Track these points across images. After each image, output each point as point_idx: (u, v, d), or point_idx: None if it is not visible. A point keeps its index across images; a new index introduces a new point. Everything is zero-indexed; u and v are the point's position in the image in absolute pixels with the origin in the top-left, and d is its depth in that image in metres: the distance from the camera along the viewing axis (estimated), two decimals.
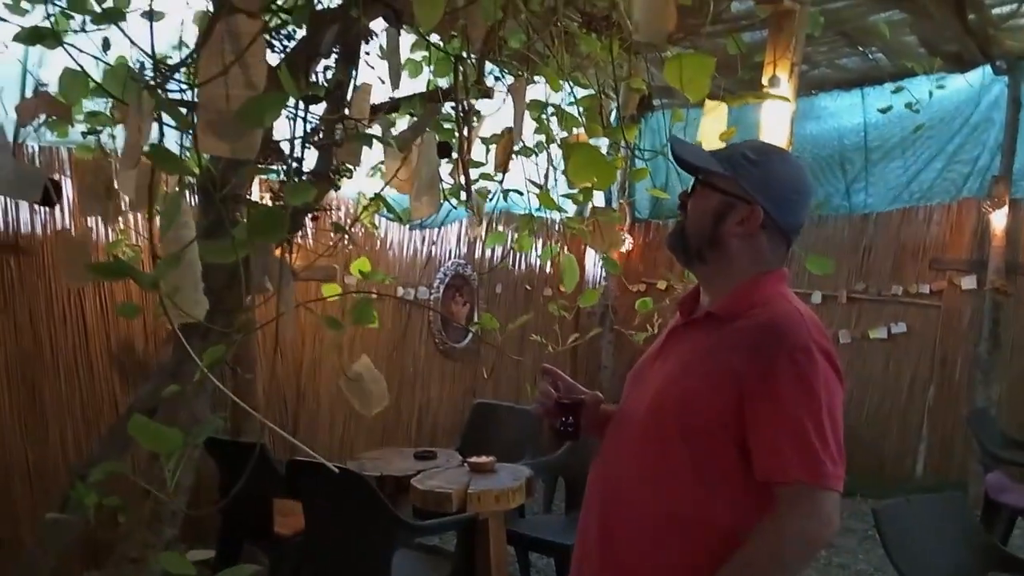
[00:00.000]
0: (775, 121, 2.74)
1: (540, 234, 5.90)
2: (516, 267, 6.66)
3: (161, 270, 1.14)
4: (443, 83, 3.51)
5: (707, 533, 1.43)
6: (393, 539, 2.99)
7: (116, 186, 2.42)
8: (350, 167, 2.01)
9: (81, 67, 1.74)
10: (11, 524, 3.79)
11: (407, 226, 5.69)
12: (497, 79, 3.32)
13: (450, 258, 6.15)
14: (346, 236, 2.08)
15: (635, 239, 7.37)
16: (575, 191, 2.59)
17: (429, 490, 3.40)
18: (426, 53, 3.62)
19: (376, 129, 2.45)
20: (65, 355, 3.98)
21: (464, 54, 2.21)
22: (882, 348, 6.18)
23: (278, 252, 1.94)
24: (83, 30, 1.80)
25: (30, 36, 1.75)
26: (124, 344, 4.18)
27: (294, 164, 1.74)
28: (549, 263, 6.69)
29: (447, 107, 2.82)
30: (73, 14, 1.99)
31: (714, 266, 1.55)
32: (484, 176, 2.42)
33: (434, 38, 2.95)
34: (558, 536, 3.64)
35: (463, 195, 2.21)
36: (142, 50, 1.34)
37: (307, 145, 1.84)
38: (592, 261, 7.14)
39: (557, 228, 5.84)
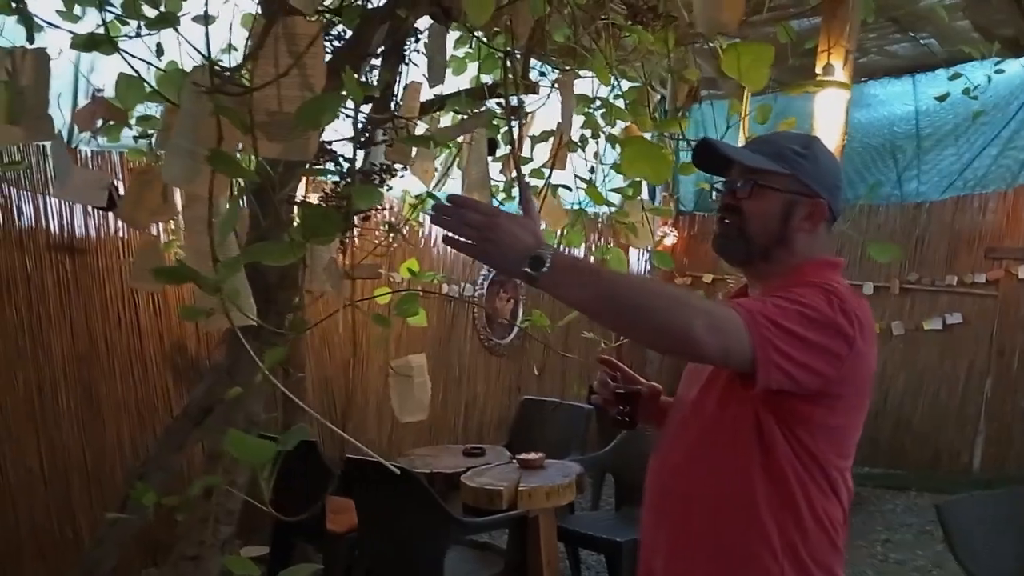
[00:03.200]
0: (830, 110, 2.67)
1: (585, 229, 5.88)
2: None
3: (223, 274, 1.14)
4: (486, 80, 3.51)
5: (774, 518, 1.41)
6: (446, 536, 3.00)
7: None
8: (399, 167, 2.00)
9: (137, 72, 1.76)
10: (70, 522, 3.88)
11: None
12: (542, 74, 3.29)
13: None
14: (395, 235, 2.08)
15: (680, 232, 7.29)
16: (623, 185, 2.55)
17: (480, 487, 3.40)
18: (469, 50, 3.61)
19: (421, 128, 2.45)
20: (120, 355, 4.05)
21: (510, 50, 2.19)
22: (937, 339, 6.04)
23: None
24: (137, 35, 1.82)
25: (86, 43, 1.77)
26: (177, 344, 4.25)
27: (347, 165, 1.74)
28: (593, 259, 6.64)
29: (493, 104, 2.82)
30: (127, 20, 2.01)
31: (777, 264, 1.53)
32: (534, 173, 2.40)
33: (477, 34, 2.94)
34: (609, 532, 3.62)
35: (514, 191, 2.19)
36: (200, 53, 1.34)
37: (360, 146, 1.84)
38: (636, 255, 7.09)
39: (601, 223, 5.80)
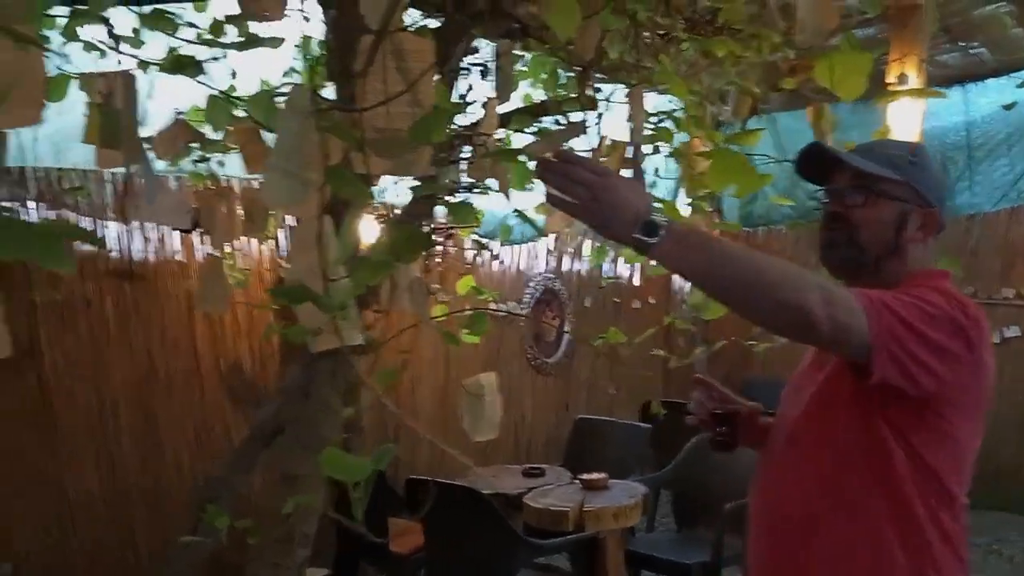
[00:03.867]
0: (905, 120, 2.63)
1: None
2: (609, 278, 6.60)
3: (341, 294, 1.12)
4: (538, 97, 3.51)
5: (898, 537, 1.37)
6: (515, 558, 2.96)
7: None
8: (482, 184, 1.99)
9: (225, 94, 1.77)
10: (130, 544, 3.89)
11: (498, 242, 5.69)
12: (597, 90, 3.29)
13: (539, 273, 6.12)
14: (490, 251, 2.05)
15: None
16: (697, 199, 2.52)
17: (544, 508, 3.36)
18: (523, 68, 3.62)
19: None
20: (177, 378, 4.08)
21: (585, 65, 2.17)
22: (996, 353, 5.88)
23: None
24: (224, 56, 1.83)
25: (172, 65, 1.78)
26: (233, 366, 4.26)
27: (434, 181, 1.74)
28: (638, 276, 6.61)
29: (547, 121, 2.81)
30: (202, 45, 2.03)
31: (887, 276, 1.48)
32: None
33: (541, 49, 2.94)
34: (676, 554, 3.56)
35: None
36: (304, 73, 1.34)
37: (443, 164, 1.83)
38: None
39: None
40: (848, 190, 1.47)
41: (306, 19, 2.41)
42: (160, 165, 3.40)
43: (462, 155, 1.97)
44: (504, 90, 2.36)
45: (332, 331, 1.27)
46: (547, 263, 6.18)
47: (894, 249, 1.48)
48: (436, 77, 1.35)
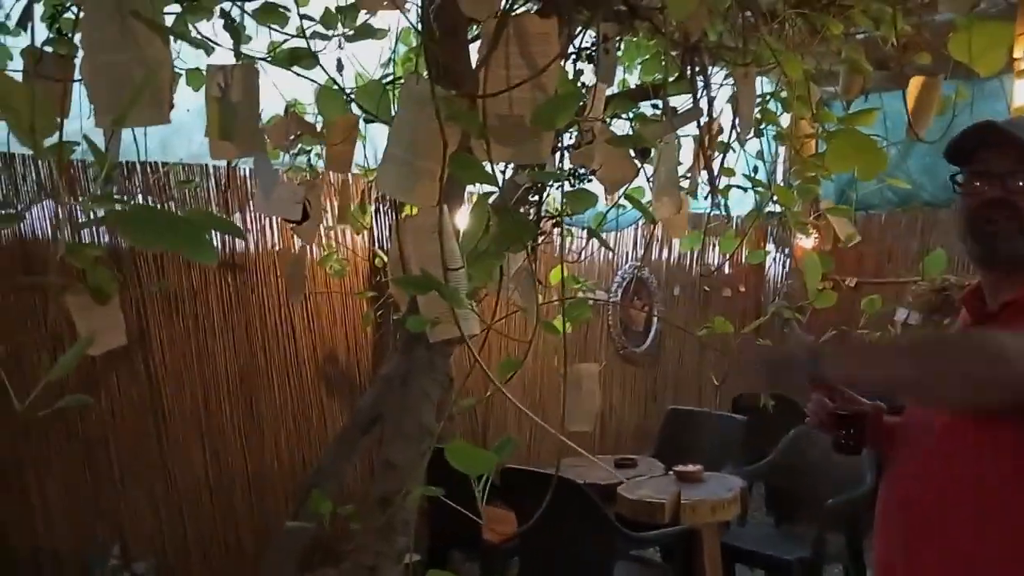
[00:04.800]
0: None
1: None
2: (694, 268, 6.47)
3: (465, 283, 1.11)
4: (632, 82, 3.43)
5: None
6: (613, 550, 2.92)
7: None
8: (589, 171, 1.95)
9: (338, 84, 1.77)
10: (234, 530, 4.01)
11: (582, 230, 5.63)
12: (698, 73, 3.20)
13: (627, 261, 6.04)
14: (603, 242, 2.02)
15: (821, 234, 6.99)
16: (805, 182, 2.42)
17: (639, 499, 3.31)
18: (619, 54, 3.55)
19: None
20: (277, 367, 4.17)
21: (696, 44, 2.11)
22: None
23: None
24: (340, 47, 1.84)
25: (289, 57, 1.80)
26: (329, 355, 4.34)
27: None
28: (728, 264, 6.47)
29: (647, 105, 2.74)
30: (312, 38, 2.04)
31: None
32: (726, 172, 2.31)
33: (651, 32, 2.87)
34: (776, 549, 3.47)
35: (705, 192, 2.11)
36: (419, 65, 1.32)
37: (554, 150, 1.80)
38: (772, 259, 6.85)
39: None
40: (1018, 173, 1.36)
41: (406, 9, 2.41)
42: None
43: (568, 142, 1.93)
44: (608, 75, 2.32)
45: (451, 320, 1.26)
46: (636, 251, 6.10)
47: None
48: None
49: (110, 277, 1.48)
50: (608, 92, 2.94)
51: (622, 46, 3.55)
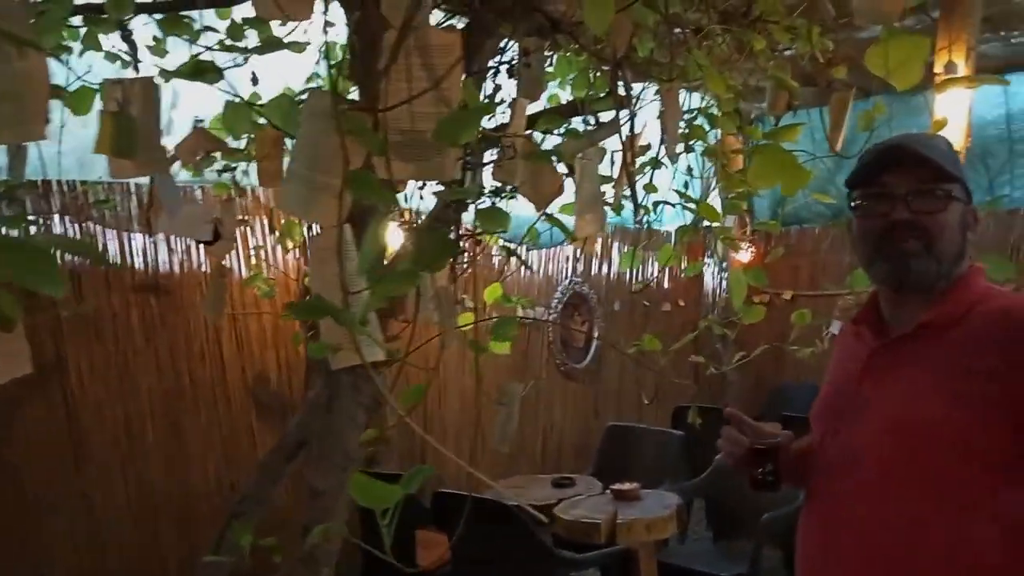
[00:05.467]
0: (953, 111, 2.50)
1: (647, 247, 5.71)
2: (631, 283, 6.49)
3: (362, 308, 1.04)
4: (565, 97, 3.41)
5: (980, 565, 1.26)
6: (547, 573, 2.86)
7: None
8: (509, 187, 1.90)
9: (243, 99, 1.70)
10: (158, 559, 3.84)
11: (524, 246, 5.60)
12: (629, 88, 3.19)
13: (566, 277, 6.03)
14: (521, 261, 1.97)
15: (756, 248, 7.07)
16: (733, 198, 2.42)
17: (575, 520, 3.27)
18: (550, 69, 3.52)
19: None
20: (204, 391, 4.03)
21: (619, 60, 2.08)
22: None
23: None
24: (245, 61, 1.76)
25: (191, 71, 1.72)
26: (259, 378, 4.21)
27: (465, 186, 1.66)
28: (667, 279, 6.52)
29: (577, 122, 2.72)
30: (223, 50, 1.96)
31: (953, 286, 1.37)
32: (648, 188, 2.28)
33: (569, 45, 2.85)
34: (712, 567, 3.44)
35: (627, 209, 2.08)
36: (329, 77, 1.26)
37: (470, 167, 1.75)
38: (710, 273, 6.90)
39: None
40: (929, 193, 1.34)
41: (329, 24, 2.35)
42: (185, 175, 3.38)
43: (489, 158, 1.89)
44: (533, 90, 2.28)
45: (352, 347, 1.19)
46: (575, 267, 6.08)
47: (961, 254, 1.38)
48: (463, 75, 1.27)
49: (12, 301, 1.38)
50: (540, 107, 2.92)
51: (554, 61, 3.54)
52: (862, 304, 1.54)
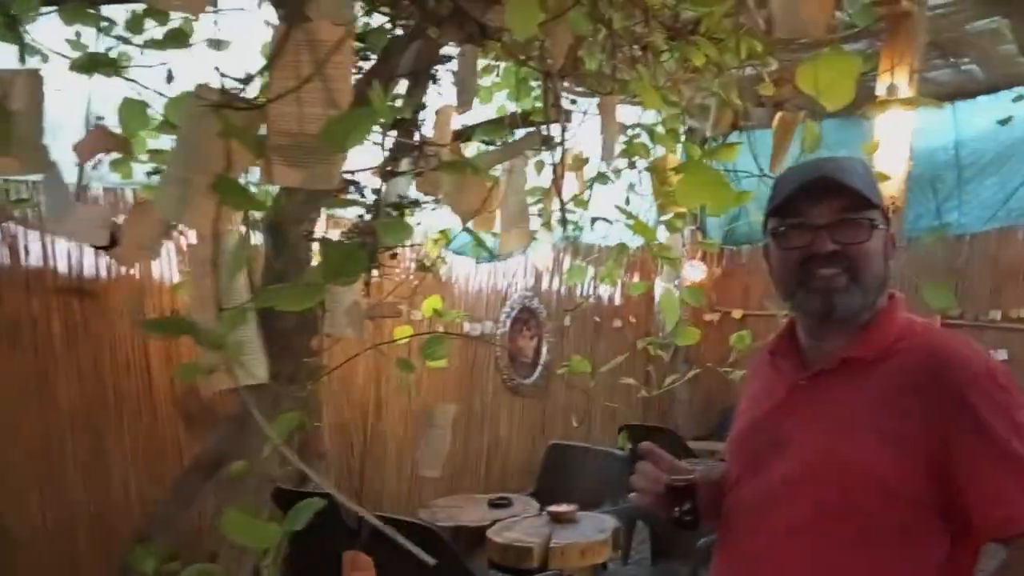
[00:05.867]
0: (894, 134, 2.46)
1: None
2: (591, 298, 6.43)
3: (226, 327, 0.93)
4: (512, 108, 3.34)
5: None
6: None
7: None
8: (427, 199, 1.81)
9: (140, 95, 1.58)
10: None
11: (473, 260, 5.51)
12: (573, 102, 3.12)
13: (516, 291, 5.94)
14: (415, 272, 1.90)
15: (708, 266, 7.07)
16: (671, 216, 2.35)
17: (508, 544, 3.16)
18: (496, 79, 3.44)
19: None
20: (129, 401, 3.86)
21: (549, 71, 2.00)
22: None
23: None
24: (141, 54, 1.64)
25: (87, 65, 1.60)
26: (188, 389, 4.04)
27: (374, 197, 1.56)
28: (619, 295, 6.47)
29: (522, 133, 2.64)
30: (133, 44, 1.85)
31: (876, 316, 1.31)
32: (578, 203, 2.21)
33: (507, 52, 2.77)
34: None
35: (556, 225, 1.99)
36: (224, 75, 1.15)
37: (387, 176, 1.65)
38: (659, 292, 6.87)
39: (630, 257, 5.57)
40: (851, 223, 1.27)
41: (268, 23, 2.24)
42: (116, 178, 3.22)
43: (409, 167, 1.79)
44: (464, 98, 2.19)
45: (226, 368, 1.09)
46: (525, 281, 6.00)
47: (884, 283, 1.31)
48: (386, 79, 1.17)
49: None
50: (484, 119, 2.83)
51: (501, 71, 3.46)
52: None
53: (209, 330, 0.96)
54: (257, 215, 2.01)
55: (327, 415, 4.45)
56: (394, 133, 1.93)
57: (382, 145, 1.62)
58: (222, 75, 1.15)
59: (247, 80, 1.12)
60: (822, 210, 1.27)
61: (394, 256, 1.81)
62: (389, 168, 1.73)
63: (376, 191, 1.66)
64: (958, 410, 1.17)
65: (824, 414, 1.29)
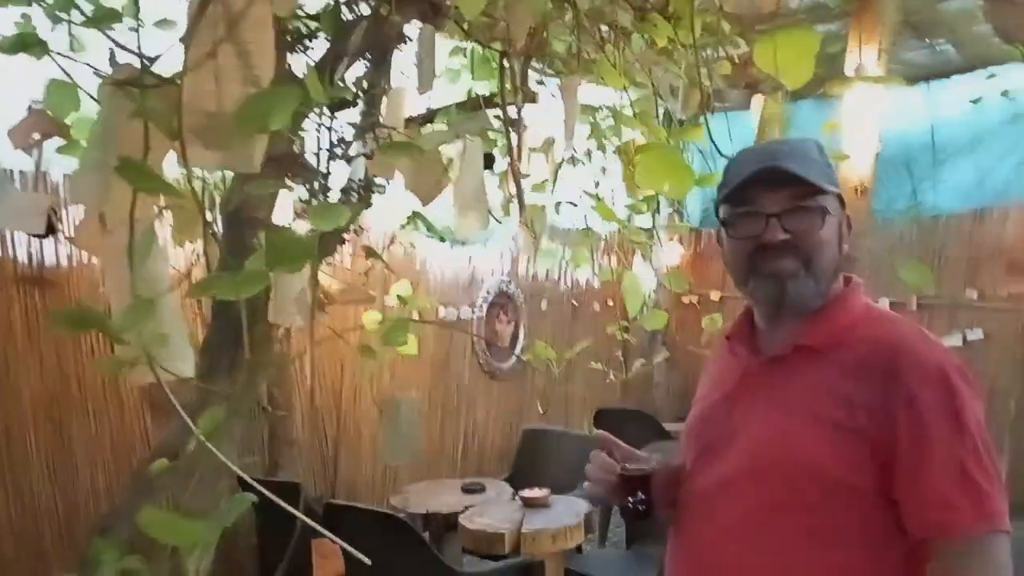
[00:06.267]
0: (863, 113, 2.42)
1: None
2: (562, 282, 6.39)
3: (129, 318, 0.88)
4: (483, 90, 3.28)
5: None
6: None
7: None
8: (383, 182, 1.75)
9: (70, 76, 1.52)
10: (43, 572, 3.59)
11: (448, 244, 5.45)
12: (540, 83, 3.07)
13: (493, 275, 5.89)
14: (381, 259, 1.86)
15: (686, 249, 7.04)
16: (635, 200, 2.30)
17: (479, 530, 3.13)
18: (465, 60, 3.37)
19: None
20: (94, 392, 3.78)
21: (507, 51, 1.95)
22: (958, 356, 5.76)
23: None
24: (70, 33, 1.57)
25: (14, 44, 1.53)
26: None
27: (320, 180, 1.50)
28: (596, 278, 6.42)
29: (490, 115, 2.58)
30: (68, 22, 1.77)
31: (830, 302, 1.28)
32: (535, 188, 2.15)
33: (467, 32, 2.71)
34: (617, 573, 3.34)
35: (514, 209, 1.94)
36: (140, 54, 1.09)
37: (335, 159, 1.59)
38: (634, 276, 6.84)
39: (606, 241, 5.53)
40: (803, 210, 1.23)
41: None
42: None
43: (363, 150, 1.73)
44: (424, 79, 2.13)
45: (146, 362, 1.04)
46: (502, 265, 5.95)
47: (838, 270, 1.27)
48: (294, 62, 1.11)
49: None
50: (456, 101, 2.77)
51: (469, 54, 3.39)
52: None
53: (119, 323, 0.91)
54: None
55: (300, 403, 4.40)
56: (355, 117, 1.88)
57: (329, 128, 1.56)
58: (139, 53, 1.09)
59: (156, 59, 1.05)
60: (774, 198, 1.24)
61: (343, 242, 1.75)
62: (340, 151, 1.67)
63: (325, 175, 1.61)
64: (907, 407, 1.14)
65: (774, 403, 1.26)
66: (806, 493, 1.18)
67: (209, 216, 2.73)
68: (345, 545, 1.16)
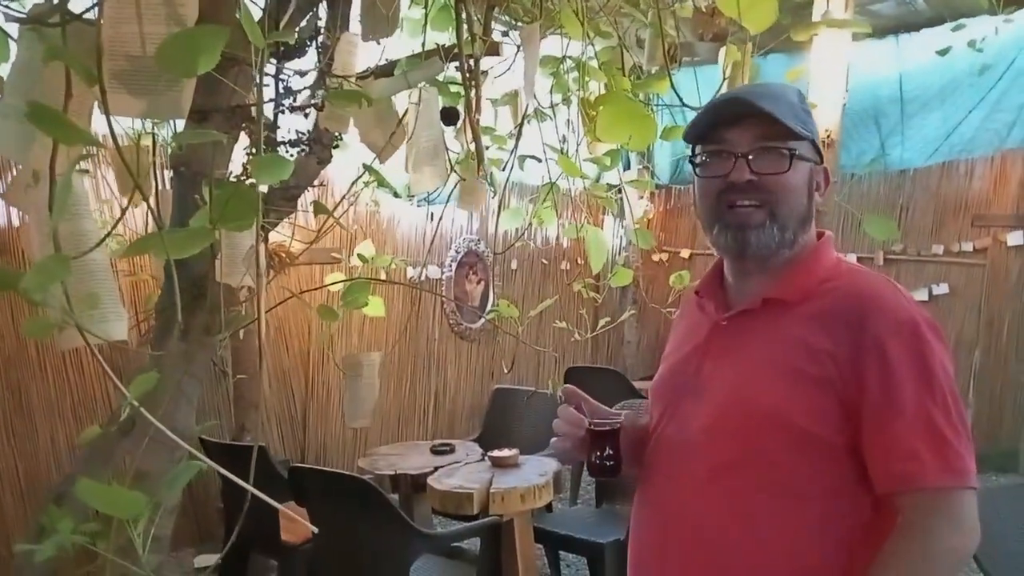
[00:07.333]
0: (830, 63, 2.37)
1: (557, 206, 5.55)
2: (532, 241, 6.34)
3: (40, 276, 0.82)
4: (443, 41, 3.18)
5: (820, 565, 1.16)
6: (409, 549, 2.71)
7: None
8: (337, 136, 1.68)
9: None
10: (3, 538, 3.54)
11: (414, 202, 5.37)
12: (505, 35, 2.98)
13: (461, 234, 5.83)
14: (339, 217, 1.79)
15: (656, 206, 7.01)
16: (601, 154, 2.25)
17: (448, 491, 3.11)
18: (424, 9, 3.27)
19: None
20: (53, 353, 3.70)
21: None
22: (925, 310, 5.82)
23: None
24: None
25: None
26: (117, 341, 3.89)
27: (269, 133, 1.44)
28: (567, 240, 6.38)
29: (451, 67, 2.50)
30: None
31: (799, 253, 1.25)
32: (497, 141, 2.09)
33: None
34: (591, 533, 3.35)
35: (474, 164, 1.88)
36: None
37: (283, 110, 1.52)
38: (611, 231, 6.80)
39: (574, 198, 5.48)
40: (772, 151, 1.20)
41: None
42: None
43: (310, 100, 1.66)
44: (373, 25, 2.05)
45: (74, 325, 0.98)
46: (471, 224, 5.88)
47: (807, 219, 1.24)
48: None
49: None
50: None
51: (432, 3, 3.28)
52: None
53: (29, 282, 0.85)
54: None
55: (267, 364, 4.34)
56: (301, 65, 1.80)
57: (276, 76, 1.49)
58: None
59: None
60: (742, 135, 1.20)
61: (295, 198, 1.69)
62: (287, 102, 1.60)
63: (273, 127, 1.54)
64: (876, 357, 1.12)
65: (741, 356, 1.24)
66: (769, 444, 1.16)
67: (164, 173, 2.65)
68: (291, 513, 1.12)
